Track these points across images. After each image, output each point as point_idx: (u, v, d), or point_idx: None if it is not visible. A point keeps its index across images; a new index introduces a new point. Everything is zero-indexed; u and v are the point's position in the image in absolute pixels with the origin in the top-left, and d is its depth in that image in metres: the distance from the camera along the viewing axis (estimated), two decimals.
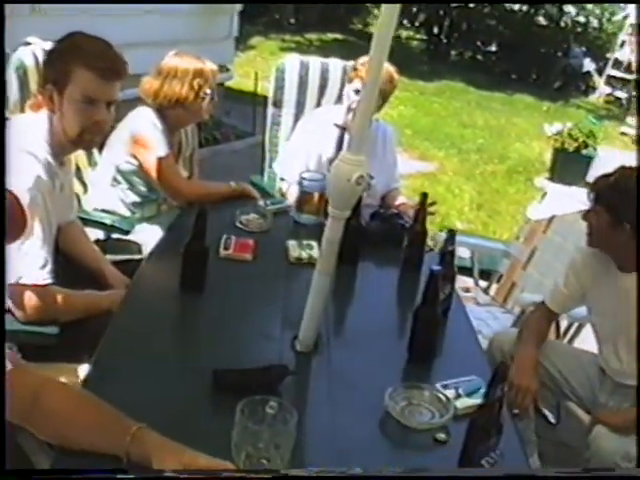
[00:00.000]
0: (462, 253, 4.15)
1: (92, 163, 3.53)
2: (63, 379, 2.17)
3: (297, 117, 4.16)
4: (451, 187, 7.72)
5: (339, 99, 4.18)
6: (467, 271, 4.03)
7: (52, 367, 2.35)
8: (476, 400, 2.07)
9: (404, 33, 16.28)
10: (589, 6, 13.65)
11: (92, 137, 2.57)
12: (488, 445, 1.78)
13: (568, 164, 8.08)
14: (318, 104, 4.19)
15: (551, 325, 3.14)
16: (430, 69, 13.48)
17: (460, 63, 14.42)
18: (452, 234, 2.51)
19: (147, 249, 3.27)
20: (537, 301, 3.24)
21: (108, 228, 3.34)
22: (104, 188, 3.40)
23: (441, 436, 1.94)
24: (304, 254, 2.89)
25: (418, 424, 1.98)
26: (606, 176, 2.80)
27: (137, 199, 3.43)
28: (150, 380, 2.04)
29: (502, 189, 7.97)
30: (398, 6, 1.86)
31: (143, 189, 3.41)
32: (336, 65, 4.22)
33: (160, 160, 3.26)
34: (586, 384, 3.02)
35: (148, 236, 3.33)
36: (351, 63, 4.19)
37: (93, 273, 2.92)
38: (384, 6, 1.87)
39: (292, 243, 2.95)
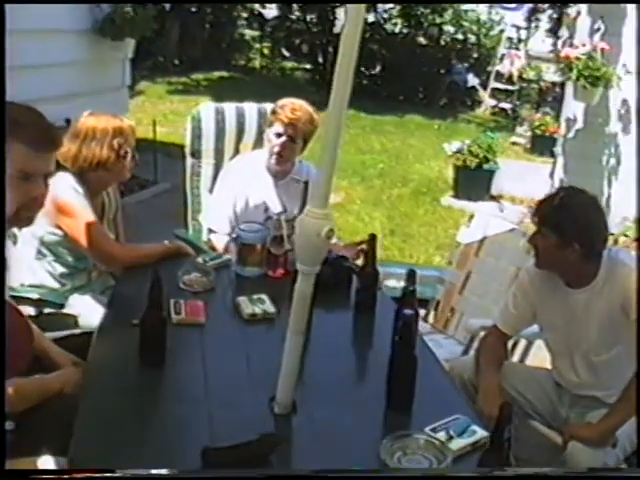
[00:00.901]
0: (395, 283, 4.16)
1: (11, 237, 3.37)
2: None
3: (217, 166, 4.10)
4: (361, 215, 7.76)
5: (257, 143, 4.14)
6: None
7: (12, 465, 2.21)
8: (468, 439, 2.08)
9: (288, 64, 16.42)
10: (466, 23, 14.09)
11: (30, 214, 2.43)
12: None
13: (471, 180, 8.26)
14: (236, 150, 4.14)
15: (506, 347, 3.17)
16: (319, 99, 13.51)
17: None
18: (412, 274, 2.50)
19: (84, 321, 3.16)
20: (486, 325, 3.26)
21: (39, 303, 3.19)
22: (29, 262, 3.25)
23: None
24: (257, 310, 2.83)
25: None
26: (549, 198, 2.86)
27: (65, 270, 3.29)
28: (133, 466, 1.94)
29: (411, 212, 8.05)
30: (357, 41, 1.83)
31: (70, 259, 3.28)
32: (251, 109, 4.18)
33: (88, 227, 3.14)
34: (545, 400, 3.06)
35: (82, 307, 3.20)
36: (265, 105, 4.19)
37: (37, 354, 2.77)
38: (342, 46, 1.85)
39: (242, 299, 2.88)
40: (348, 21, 1.90)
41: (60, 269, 3.26)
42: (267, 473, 1.59)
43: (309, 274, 2.08)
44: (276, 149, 3.67)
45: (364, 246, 3.53)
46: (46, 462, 2.36)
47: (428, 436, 2.07)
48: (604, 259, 2.82)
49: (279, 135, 3.65)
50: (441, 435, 2.09)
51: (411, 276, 2.51)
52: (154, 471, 1.53)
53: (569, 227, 2.74)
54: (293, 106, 3.66)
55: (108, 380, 2.36)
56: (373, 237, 2.91)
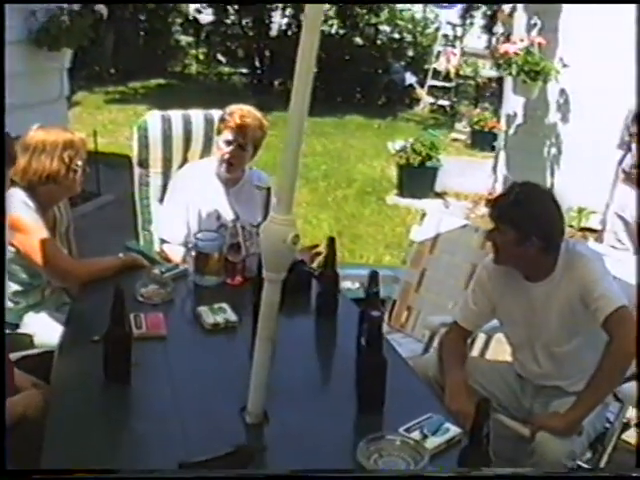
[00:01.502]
0: (350, 285, 4.17)
1: None
2: None
3: (165, 175, 4.04)
4: (308, 218, 7.74)
5: (205, 150, 4.11)
6: (360, 302, 4.03)
7: None
8: (443, 437, 2.09)
9: (225, 69, 16.33)
10: (402, 22, 14.21)
11: None
12: None
13: (415, 178, 8.32)
14: (184, 158, 4.09)
15: (467, 343, 3.19)
16: (258, 103, 13.44)
17: (285, 93, 14.45)
18: (374, 275, 2.50)
19: (39, 340, 3.10)
20: (446, 322, 3.28)
21: None
22: None
23: None
24: (219, 319, 2.80)
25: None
26: (504, 194, 2.88)
27: (19, 288, 3.22)
28: None
29: (357, 212, 8.06)
30: (316, 44, 1.83)
31: (24, 276, 3.21)
32: (197, 116, 4.13)
33: (42, 243, 3.08)
34: (508, 392, 3.08)
35: (37, 326, 3.15)
36: (212, 112, 4.16)
37: None
38: (300, 55, 1.84)
39: (203, 309, 2.85)
40: (306, 24, 1.90)
41: (14, 287, 3.20)
42: (267, 473, 1.58)
43: (276, 281, 2.07)
44: (226, 157, 3.64)
45: (319, 249, 3.54)
46: None
47: (403, 437, 2.07)
48: (561, 251, 2.85)
49: (229, 143, 3.63)
50: (415, 435, 2.09)
51: (373, 277, 2.52)
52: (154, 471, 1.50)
53: (527, 222, 2.77)
54: (242, 113, 3.64)
55: (74, 399, 2.30)
56: (332, 240, 2.90)
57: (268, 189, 3.10)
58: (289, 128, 1.94)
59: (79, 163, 3.18)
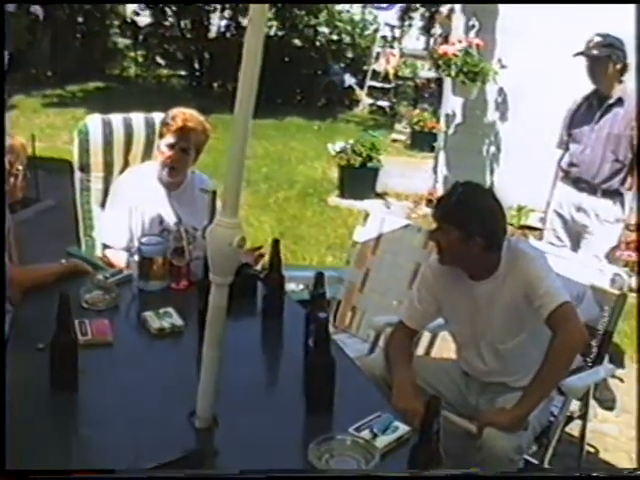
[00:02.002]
0: (294, 287, 4.16)
1: None
2: None
3: (107, 179, 4.00)
4: (250, 220, 7.69)
5: (146, 154, 4.07)
6: (305, 303, 4.03)
7: None
8: (393, 435, 2.11)
9: (164, 72, 16.20)
10: (341, 24, 14.25)
11: None
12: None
13: (356, 179, 8.35)
14: (126, 162, 4.05)
15: (413, 342, 3.21)
16: (197, 105, 13.33)
17: (225, 96, 14.39)
18: (320, 277, 2.51)
19: None
20: (391, 322, 3.30)
21: None
22: None
23: None
24: (165, 324, 2.79)
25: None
26: (447, 194, 2.91)
27: None
28: None
29: (299, 214, 8.07)
30: (261, 45, 1.83)
31: None
32: (138, 119, 4.09)
33: None
34: (454, 389, 3.12)
35: None
36: (152, 115, 4.12)
37: None
38: (245, 54, 1.84)
39: (149, 314, 2.83)
40: (251, 24, 1.89)
41: None
42: (268, 473, 1.57)
43: (222, 284, 2.06)
44: (169, 161, 3.62)
45: (262, 251, 3.54)
46: None
47: (353, 436, 2.08)
48: (504, 250, 2.89)
49: (171, 147, 3.60)
50: (365, 434, 2.11)
51: (319, 279, 2.53)
52: (155, 471, 1.49)
53: (470, 221, 2.80)
54: (184, 116, 3.62)
55: (20, 407, 2.25)
56: (276, 242, 2.90)
57: (214, 192, 3.08)
58: (234, 132, 1.94)
59: (19, 168, 3.12)
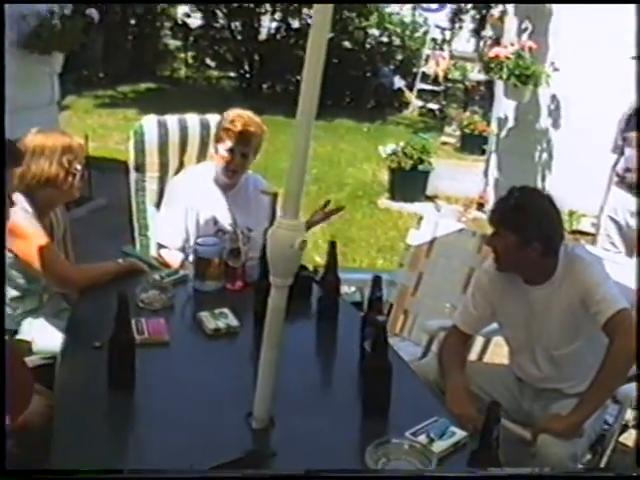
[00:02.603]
0: (347, 289, 4.16)
1: None
2: None
3: (162, 180, 4.04)
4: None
5: (201, 155, 4.11)
6: (357, 306, 4.03)
7: None
8: (450, 441, 2.10)
9: (214, 73, 16.32)
10: (391, 26, 14.21)
11: None
12: None
13: (407, 182, 8.34)
14: (181, 163, 4.09)
15: (467, 347, 3.20)
16: (248, 106, 13.47)
17: (274, 97, 14.55)
18: (378, 280, 2.50)
19: (38, 346, 3.08)
20: (444, 326, 3.29)
21: None
22: None
23: None
24: (221, 324, 2.80)
25: None
26: (504, 199, 2.88)
27: (16, 293, 3.20)
28: None
29: (349, 216, 8.04)
30: (324, 47, 1.83)
31: (22, 282, 3.19)
32: (193, 120, 4.13)
33: (41, 249, 3.06)
34: (508, 395, 3.09)
35: (35, 332, 3.13)
36: (207, 117, 4.16)
37: None
38: (308, 59, 1.84)
39: (204, 314, 2.85)
40: (314, 26, 1.90)
41: (11, 292, 3.17)
42: (267, 473, 1.58)
43: (282, 286, 2.07)
44: (230, 166, 3.64)
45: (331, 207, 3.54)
46: None
47: (410, 440, 2.08)
48: (561, 255, 2.86)
49: (231, 151, 3.62)
50: (422, 438, 2.10)
51: (377, 282, 2.52)
52: (155, 471, 1.50)
53: (527, 226, 2.78)
54: (244, 120, 3.63)
55: (79, 407, 2.29)
56: (333, 244, 2.90)
57: (275, 194, 3.09)
58: (296, 134, 1.95)
59: (78, 167, 3.17)
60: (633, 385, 2.98)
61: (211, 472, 1.64)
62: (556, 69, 6.95)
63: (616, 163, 4.66)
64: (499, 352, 3.57)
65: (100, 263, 3.34)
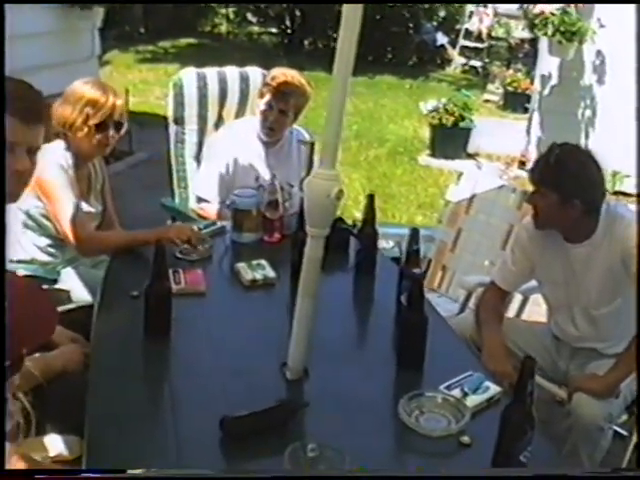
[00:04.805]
0: (385, 244, 4.14)
1: None
2: (34, 456, 2.02)
3: (201, 132, 4.03)
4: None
5: (240, 108, 4.09)
6: (396, 260, 4.01)
7: (19, 446, 2.17)
8: (484, 395, 2.10)
9: (255, 29, 16.24)
10: None
11: (14, 189, 2.34)
12: (525, 441, 1.78)
13: (448, 139, 8.24)
14: (219, 116, 4.08)
15: (505, 304, 3.18)
16: (289, 62, 13.35)
17: (316, 53, 14.42)
18: (415, 233, 2.49)
19: (76, 295, 3.11)
20: (482, 282, 3.27)
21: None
22: (16, 237, 3.17)
23: (465, 439, 1.93)
24: (258, 275, 2.81)
25: (440, 431, 1.95)
26: (544, 157, 2.81)
27: (52, 242, 3.21)
28: (149, 443, 1.94)
29: (389, 172, 8.03)
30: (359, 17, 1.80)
31: (56, 231, 3.20)
32: (233, 73, 4.11)
33: (63, 210, 3.05)
34: (544, 354, 3.06)
35: (74, 281, 3.15)
36: (247, 70, 4.14)
37: None
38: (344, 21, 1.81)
39: (242, 265, 2.86)
40: None
41: (47, 241, 3.19)
42: (269, 473, 1.58)
43: (319, 236, 2.06)
44: (268, 123, 3.63)
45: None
46: (53, 441, 2.34)
47: (444, 394, 2.07)
48: (602, 213, 2.81)
49: (270, 107, 3.60)
50: (456, 392, 2.10)
51: (414, 235, 2.51)
52: (156, 471, 1.51)
53: (569, 184, 2.72)
54: (285, 78, 3.60)
55: (115, 354, 2.32)
56: (371, 197, 2.88)
57: (312, 144, 3.07)
58: (335, 81, 1.93)
59: (96, 122, 3.12)
60: None
61: (211, 472, 1.64)
62: (602, 25, 6.81)
63: None
64: (537, 310, 3.54)
65: (144, 231, 3.28)
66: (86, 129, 3.11)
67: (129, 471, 1.53)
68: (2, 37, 1.81)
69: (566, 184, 2.72)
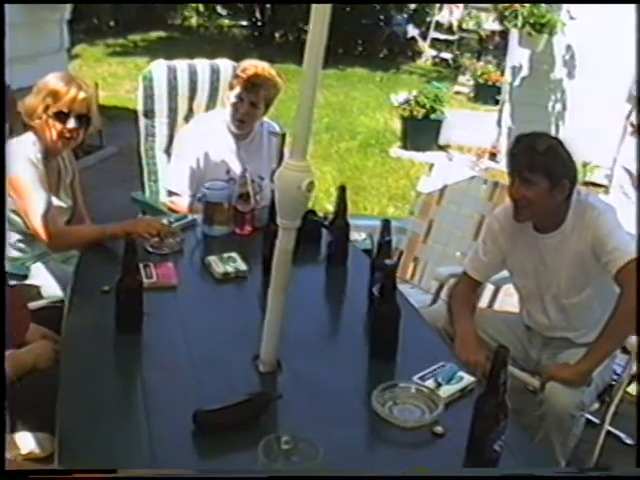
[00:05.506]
0: (357, 236, 4.14)
1: None
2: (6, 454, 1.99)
3: (171, 125, 4.00)
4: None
5: (210, 100, 4.07)
6: (368, 252, 4.02)
7: None
8: (457, 386, 2.10)
9: (225, 22, 16.16)
10: None
11: None
12: (498, 430, 1.78)
13: (419, 131, 8.27)
14: (190, 109, 4.05)
15: (477, 294, 3.19)
16: (259, 55, 13.35)
17: (286, 45, 14.39)
18: (387, 224, 2.48)
19: (47, 291, 3.08)
20: (455, 273, 3.27)
21: None
22: None
23: (439, 429, 1.93)
24: (229, 268, 2.79)
25: (414, 422, 1.95)
26: (528, 146, 2.79)
27: (22, 237, 3.17)
28: (122, 438, 1.92)
29: (360, 164, 8.03)
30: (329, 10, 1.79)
31: (25, 226, 3.17)
32: (203, 66, 4.08)
33: (32, 206, 3.02)
34: (517, 344, 3.07)
35: (44, 277, 3.12)
36: (217, 62, 4.11)
37: None
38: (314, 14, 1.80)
39: (213, 259, 2.84)
40: None
41: (16, 237, 3.16)
42: (267, 474, 1.58)
43: (290, 228, 2.05)
44: (238, 115, 3.60)
45: None
46: (25, 438, 2.32)
47: (418, 385, 2.07)
48: (573, 203, 2.82)
49: (241, 99, 3.58)
50: (430, 383, 2.10)
51: (386, 226, 2.50)
52: (154, 471, 1.50)
53: (560, 167, 2.74)
54: (256, 70, 3.57)
55: (86, 350, 2.29)
56: (343, 189, 2.88)
57: (283, 136, 3.05)
58: (305, 73, 1.91)
59: (53, 111, 3.09)
60: None
61: (210, 473, 1.63)
62: (572, 17, 6.85)
63: (630, 113, 4.59)
64: (509, 301, 3.56)
65: (114, 224, 3.25)
66: (44, 117, 3.08)
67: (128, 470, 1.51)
68: (2, 37, 1.79)
69: (557, 167, 2.73)
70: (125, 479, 1.48)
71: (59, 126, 3.10)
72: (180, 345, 2.33)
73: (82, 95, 3.12)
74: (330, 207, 6.27)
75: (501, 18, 7.32)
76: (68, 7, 7.25)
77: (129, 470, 1.52)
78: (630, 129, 4.60)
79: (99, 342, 2.34)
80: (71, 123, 3.10)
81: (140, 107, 3.97)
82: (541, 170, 2.72)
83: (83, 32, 12.54)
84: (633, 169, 4.56)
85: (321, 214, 3.39)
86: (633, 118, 4.58)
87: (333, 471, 1.62)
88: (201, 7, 16.18)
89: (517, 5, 6.86)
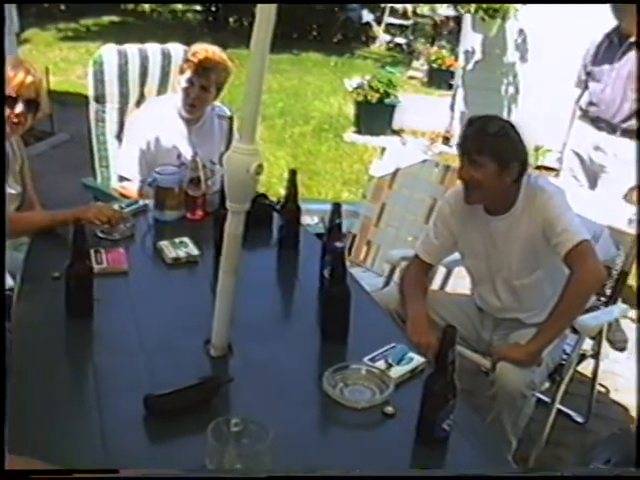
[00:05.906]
0: (310, 220, 4.15)
1: None
2: None
3: (122, 111, 3.97)
4: (265, 155, 7.66)
5: (162, 85, 4.04)
6: (320, 236, 4.02)
7: None
8: (407, 367, 2.12)
9: (179, 7, 16.02)
10: None
11: None
12: (447, 409, 1.80)
13: (373, 115, 8.28)
14: (141, 94, 4.02)
15: (428, 277, 3.21)
16: (213, 40, 13.23)
17: (241, 30, 14.26)
18: (337, 207, 2.49)
19: None
20: (407, 256, 3.29)
21: None
22: None
23: (389, 409, 1.95)
24: (181, 253, 2.78)
25: (365, 403, 1.97)
26: (478, 128, 2.80)
27: None
28: (73, 425, 1.91)
29: (314, 149, 8.03)
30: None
31: None
32: (154, 50, 4.04)
33: None
34: (468, 325, 3.12)
35: None
36: (168, 46, 4.08)
37: None
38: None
39: (164, 244, 2.83)
40: None
41: None
42: (268, 474, 1.58)
43: (239, 212, 2.05)
44: (189, 100, 3.58)
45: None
46: None
47: (368, 366, 2.09)
48: (523, 185, 2.85)
49: (192, 83, 3.55)
50: (380, 364, 2.12)
51: (336, 210, 2.51)
52: (155, 471, 1.50)
53: (509, 149, 2.76)
54: (207, 54, 3.55)
55: (37, 337, 2.26)
56: (293, 172, 2.88)
57: (230, 118, 3.04)
58: (253, 54, 1.90)
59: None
60: (591, 315, 3.02)
61: (210, 472, 1.63)
62: (525, 2, 6.90)
63: (580, 97, 4.64)
64: (460, 283, 3.59)
65: (63, 211, 3.21)
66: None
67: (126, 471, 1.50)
68: (2, 37, 1.75)
69: (506, 150, 2.76)
70: (125, 479, 1.47)
71: (7, 111, 3.05)
72: (131, 330, 2.32)
73: (30, 79, 3.07)
74: (283, 192, 6.27)
75: (455, 3, 7.35)
76: None
77: (129, 470, 1.51)
78: (579, 113, 4.64)
79: (50, 329, 2.32)
80: (19, 108, 3.05)
81: (91, 92, 3.93)
82: (489, 152, 2.74)
83: (33, 16, 12.35)
84: (583, 153, 4.61)
85: (274, 199, 3.40)
86: (582, 102, 4.62)
87: (333, 471, 1.62)
88: None
89: None
